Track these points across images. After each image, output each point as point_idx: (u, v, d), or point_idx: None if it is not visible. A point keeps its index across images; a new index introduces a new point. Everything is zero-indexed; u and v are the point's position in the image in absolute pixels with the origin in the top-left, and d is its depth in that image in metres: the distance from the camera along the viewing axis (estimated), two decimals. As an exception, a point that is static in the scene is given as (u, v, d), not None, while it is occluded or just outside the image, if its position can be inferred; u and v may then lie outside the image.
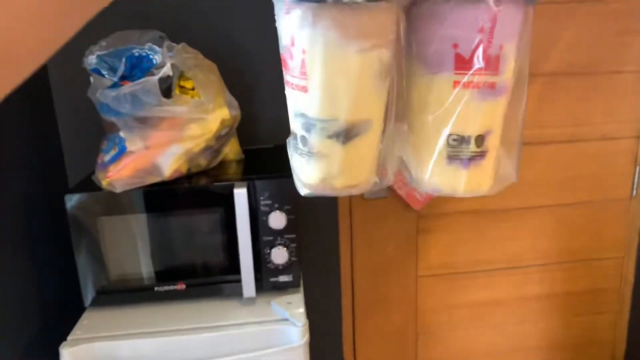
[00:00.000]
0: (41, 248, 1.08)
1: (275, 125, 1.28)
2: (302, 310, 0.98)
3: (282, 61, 0.60)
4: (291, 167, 0.67)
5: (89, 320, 0.99)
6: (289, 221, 0.99)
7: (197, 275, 1.03)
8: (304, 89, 0.57)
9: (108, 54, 0.96)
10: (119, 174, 0.94)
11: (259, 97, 1.27)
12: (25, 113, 1.09)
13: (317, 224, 1.37)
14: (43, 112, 1.18)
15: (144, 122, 0.94)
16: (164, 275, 1.02)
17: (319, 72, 0.56)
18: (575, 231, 1.56)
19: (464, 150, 0.62)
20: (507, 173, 0.68)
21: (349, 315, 1.52)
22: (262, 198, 0.98)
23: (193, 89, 0.99)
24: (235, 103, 1.05)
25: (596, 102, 1.47)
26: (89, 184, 0.99)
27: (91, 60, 0.95)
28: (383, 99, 0.60)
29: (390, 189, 1.38)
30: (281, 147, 1.23)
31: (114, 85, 0.94)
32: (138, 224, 0.99)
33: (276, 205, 0.99)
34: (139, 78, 0.93)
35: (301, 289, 1.05)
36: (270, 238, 1.00)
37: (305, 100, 0.58)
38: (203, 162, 1.04)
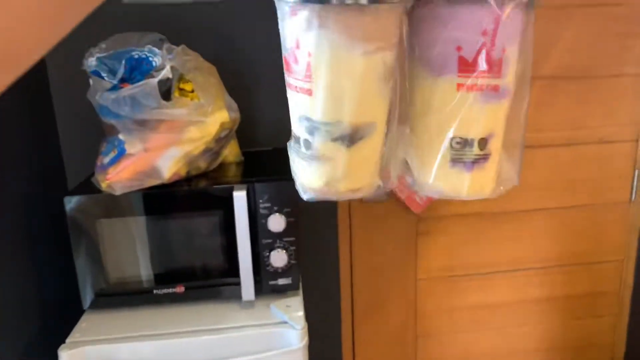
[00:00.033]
0: (40, 250, 1.08)
1: (275, 127, 1.28)
2: (301, 313, 0.98)
3: (285, 64, 0.60)
4: (292, 171, 0.66)
5: (87, 322, 0.99)
6: (288, 224, 0.99)
7: (196, 278, 1.02)
8: (309, 92, 0.57)
9: (108, 56, 0.96)
10: (118, 176, 0.94)
11: (259, 100, 1.27)
12: (25, 115, 1.09)
13: (316, 226, 1.37)
14: (43, 114, 1.18)
15: (144, 125, 0.94)
16: (163, 277, 1.01)
17: (325, 74, 0.56)
18: (575, 234, 1.56)
19: (467, 153, 0.62)
20: (509, 176, 0.68)
21: (348, 318, 1.52)
22: (261, 201, 0.98)
23: (192, 91, 0.99)
24: (234, 105, 1.05)
25: (595, 105, 1.47)
26: (88, 186, 0.99)
27: (91, 62, 0.95)
28: (387, 102, 0.60)
29: (390, 192, 1.38)
30: (281, 149, 1.23)
31: (114, 88, 0.94)
32: (137, 226, 0.99)
33: (275, 208, 0.99)
34: (139, 80, 0.93)
35: (300, 291, 1.05)
36: (270, 241, 1.00)
37: (310, 103, 0.58)
38: (202, 164, 1.04)
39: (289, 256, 1.01)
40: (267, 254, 1.00)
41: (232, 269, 1.00)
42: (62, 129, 1.23)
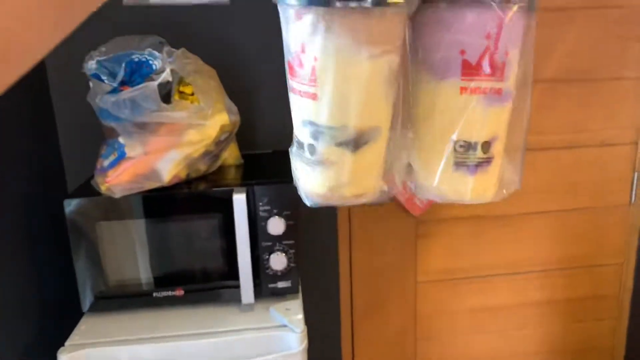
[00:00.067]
0: (40, 253, 1.08)
1: (275, 130, 1.28)
2: (300, 316, 0.97)
3: (289, 68, 0.59)
4: (294, 177, 0.65)
5: (86, 325, 0.99)
6: (287, 227, 0.99)
7: (196, 281, 1.02)
8: (314, 96, 0.57)
9: (108, 59, 0.96)
10: (118, 179, 0.94)
11: (259, 103, 1.27)
12: (25, 118, 1.09)
13: (316, 229, 1.36)
14: (43, 117, 1.18)
15: (144, 128, 0.94)
16: (163, 280, 1.01)
17: (331, 78, 0.55)
18: (575, 237, 1.56)
19: (471, 156, 0.62)
20: (510, 180, 0.68)
21: (348, 321, 1.52)
22: (261, 204, 0.98)
23: (192, 94, 0.99)
24: (234, 108, 1.05)
25: (595, 108, 1.47)
26: (88, 189, 0.99)
27: (91, 65, 0.95)
28: (391, 106, 0.60)
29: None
30: (280, 152, 1.24)
31: (114, 91, 0.94)
32: (137, 229, 0.99)
33: (275, 211, 0.99)
34: (139, 83, 0.93)
35: (300, 294, 1.05)
36: (269, 244, 1.00)
37: (315, 107, 0.57)
38: (202, 167, 1.04)
39: (289, 259, 1.01)
40: (267, 257, 1.00)
41: (232, 272, 1.00)
42: (62, 131, 1.23)
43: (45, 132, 1.19)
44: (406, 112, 0.63)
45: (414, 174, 0.66)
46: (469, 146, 0.61)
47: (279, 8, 0.58)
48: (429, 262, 1.51)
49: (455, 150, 0.62)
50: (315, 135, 0.58)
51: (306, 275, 1.24)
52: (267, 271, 1.01)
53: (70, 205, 0.96)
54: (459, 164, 0.62)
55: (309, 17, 0.54)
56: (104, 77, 0.95)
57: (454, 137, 0.61)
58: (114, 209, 0.97)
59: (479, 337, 1.60)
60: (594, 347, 1.66)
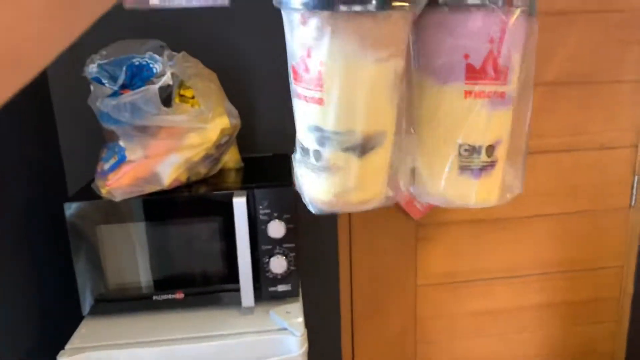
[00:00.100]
0: (40, 256, 1.08)
1: (275, 133, 1.28)
2: (300, 319, 0.97)
3: (294, 73, 0.59)
4: (298, 184, 0.65)
5: (87, 328, 0.99)
6: (288, 230, 0.99)
7: (196, 284, 1.02)
8: (320, 101, 0.56)
9: (108, 62, 0.96)
10: (118, 182, 0.94)
11: (259, 106, 1.28)
12: (26, 121, 1.09)
13: (316, 232, 1.36)
14: (43, 120, 1.19)
15: (144, 131, 0.94)
16: (163, 284, 1.01)
17: (337, 83, 0.55)
18: (574, 240, 1.55)
19: (475, 160, 0.62)
20: (512, 183, 0.68)
21: (348, 324, 1.52)
22: (261, 207, 0.98)
23: (193, 97, 0.99)
24: (235, 112, 1.05)
25: (595, 111, 1.47)
26: (88, 193, 0.99)
27: (92, 68, 0.96)
28: (395, 110, 0.60)
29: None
30: (281, 155, 1.24)
31: (114, 94, 0.94)
32: (137, 232, 0.99)
33: (275, 214, 0.99)
34: (139, 87, 0.93)
35: (300, 298, 1.05)
36: (269, 247, 1.00)
37: (321, 112, 0.57)
38: (203, 170, 1.04)
39: (289, 262, 1.01)
40: (267, 260, 1.00)
41: (232, 275, 1.00)
42: (63, 135, 1.23)
43: (46, 135, 1.20)
44: (410, 116, 0.63)
45: (418, 179, 0.66)
46: (473, 150, 0.61)
47: (283, 13, 0.58)
48: (429, 265, 1.51)
49: (459, 154, 0.62)
50: (322, 141, 0.58)
51: (306, 278, 1.24)
52: (267, 274, 1.01)
53: (71, 209, 0.96)
54: (463, 168, 0.62)
55: (314, 21, 0.54)
56: (104, 81, 0.95)
57: (459, 141, 0.61)
58: (114, 212, 0.97)
59: (479, 341, 1.60)
60: (594, 350, 1.66)
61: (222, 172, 1.10)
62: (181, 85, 0.99)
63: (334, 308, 1.47)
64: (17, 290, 1.00)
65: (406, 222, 1.46)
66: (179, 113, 0.95)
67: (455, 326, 1.57)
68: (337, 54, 0.54)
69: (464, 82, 0.60)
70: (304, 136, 0.60)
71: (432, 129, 0.64)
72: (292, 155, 0.65)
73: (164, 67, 0.96)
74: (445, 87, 0.61)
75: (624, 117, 1.49)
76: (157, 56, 0.98)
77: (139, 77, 0.96)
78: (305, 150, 0.61)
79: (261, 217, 0.99)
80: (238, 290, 1.00)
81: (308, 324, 0.98)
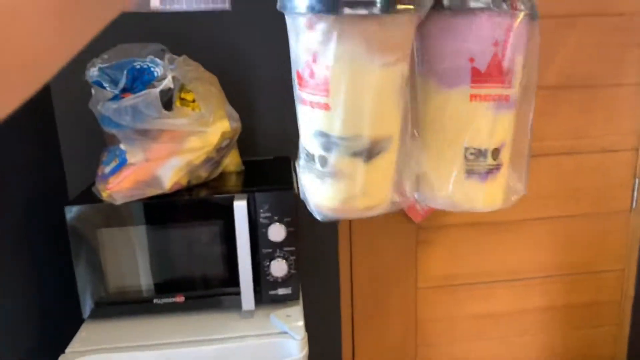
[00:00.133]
0: (41, 259, 1.08)
1: (276, 136, 1.28)
2: (301, 323, 0.97)
3: (298, 79, 0.58)
4: (302, 192, 0.64)
5: (87, 332, 0.99)
6: (288, 233, 0.99)
7: (196, 288, 1.02)
8: (326, 107, 0.56)
9: (110, 66, 0.96)
10: (119, 186, 0.94)
11: (260, 109, 1.28)
12: (27, 124, 1.10)
13: (316, 236, 1.36)
14: (44, 124, 1.19)
15: (145, 135, 0.94)
16: (163, 287, 1.01)
17: (344, 88, 0.55)
18: (575, 243, 1.55)
19: (482, 163, 0.62)
20: (515, 186, 0.68)
21: (349, 327, 1.52)
22: (261, 210, 0.98)
23: (194, 101, 0.99)
24: (235, 115, 1.05)
25: (596, 114, 1.47)
26: (89, 196, 0.99)
27: (93, 72, 0.96)
28: (401, 114, 0.59)
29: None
30: (281, 158, 1.24)
31: (115, 98, 0.94)
32: (138, 236, 0.99)
33: (276, 218, 0.99)
34: (140, 90, 0.93)
35: (300, 301, 1.04)
36: (270, 250, 1.00)
37: (327, 118, 0.56)
38: (203, 174, 1.04)
39: (289, 266, 1.01)
40: (267, 263, 1.00)
41: (232, 278, 1.00)
42: (64, 138, 1.23)
43: (47, 138, 1.20)
44: (414, 120, 0.62)
45: (423, 184, 0.65)
46: (479, 153, 0.61)
47: (287, 18, 0.58)
48: (429, 268, 1.51)
49: (466, 158, 0.61)
50: (327, 147, 0.57)
51: (307, 281, 1.24)
52: (268, 278, 1.01)
53: (71, 212, 0.96)
54: (470, 172, 0.62)
55: (321, 26, 0.53)
56: (105, 84, 0.95)
57: (465, 144, 0.61)
58: (115, 215, 0.98)
59: (480, 344, 1.59)
60: (595, 354, 1.66)
61: (222, 175, 1.10)
62: (182, 88, 0.99)
63: (335, 311, 1.47)
64: (18, 293, 1.00)
65: (407, 225, 1.45)
66: (180, 116, 0.95)
67: (455, 329, 1.57)
68: (344, 58, 0.54)
69: (469, 85, 0.59)
70: (309, 142, 0.60)
71: (437, 133, 0.64)
72: (295, 162, 0.64)
73: (165, 70, 0.97)
74: (451, 91, 0.61)
75: (625, 120, 1.49)
76: (158, 60, 0.98)
77: (140, 80, 0.96)
78: (310, 157, 0.60)
79: (262, 220, 0.99)
80: (238, 293, 1.00)
81: (308, 327, 0.98)
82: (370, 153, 0.58)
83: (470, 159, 0.62)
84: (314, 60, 0.55)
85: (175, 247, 1.01)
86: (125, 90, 0.95)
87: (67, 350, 0.93)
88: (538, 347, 1.63)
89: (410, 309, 1.53)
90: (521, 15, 0.58)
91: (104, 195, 0.95)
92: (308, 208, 0.63)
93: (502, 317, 1.58)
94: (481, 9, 0.57)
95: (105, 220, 0.98)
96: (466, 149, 0.61)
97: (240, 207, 0.96)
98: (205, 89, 1.01)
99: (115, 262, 1.00)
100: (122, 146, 0.95)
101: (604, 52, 1.43)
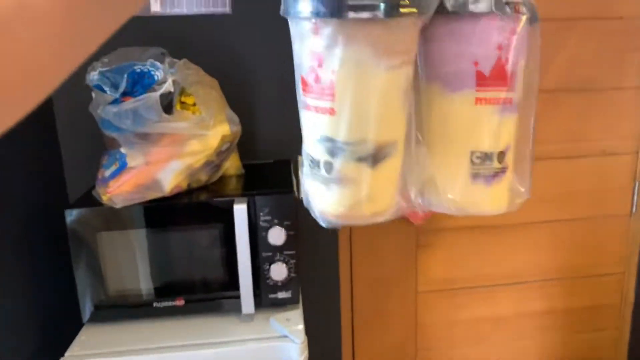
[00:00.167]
0: (40, 263, 1.08)
1: (276, 140, 1.29)
2: (301, 327, 0.97)
3: (302, 84, 0.58)
4: (307, 198, 0.63)
5: (87, 335, 0.99)
6: (288, 237, 0.99)
7: (196, 291, 1.02)
8: (331, 111, 0.55)
9: (110, 70, 0.97)
10: (119, 189, 0.94)
11: (260, 113, 1.28)
12: (27, 128, 1.10)
13: (316, 239, 1.36)
14: (44, 127, 1.19)
15: (145, 138, 0.94)
16: (163, 290, 1.01)
17: (350, 92, 0.54)
18: (575, 247, 1.55)
19: (488, 167, 0.61)
20: (519, 189, 0.68)
21: (349, 331, 1.52)
22: (261, 214, 0.98)
23: (194, 104, 0.99)
24: (236, 119, 1.05)
25: (596, 118, 1.47)
26: (89, 199, 0.99)
27: (93, 76, 0.96)
28: (406, 119, 0.59)
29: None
30: (282, 162, 1.24)
31: (116, 101, 0.94)
32: (138, 239, 0.99)
33: (276, 221, 0.99)
34: (141, 94, 0.93)
35: (300, 305, 1.04)
36: (270, 254, 1.00)
37: (333, 122, 0.56)
38: (203, 177, 1.04)
39: (289, 269, 1.01)
40: (267, 267, 1.00)
41: (232, 282, 1.00)
42: (64, 142, 1.23)
43: (47, 142, 1.20)
44: (418, 124, 0.62)
45: (428, 188, 0.65)
46: (485, 157, 0.61)
47: (291, 23, 0.58)
48: (429, 271, 1.51)
49: (472, 161, 0.61)
50: (333, 152, 0.57)
51: (307, 285, 1.24)
52: (268, 281, 1.01)
53: (72, 215, 0.96)
54: (475, 176, 0.62)
55: (327, 31, 0.53)
56: (106, 88, 0.96)
57: (471, 148, 0.61)
58: (115, 219, 0.98)
59: (480, 348, 1.59)
60: (595, 358, 1.66)
61: (222, 178, 1.10)
62: (182, 92, 1.00)
63: (335, 315, 1.47)
64: (18, 296, 1.00)
65: (407, 228, 1.45)
66: (180, 120, 0.95)
67: (456, 333, 1.57)
68: (350, 62, 0.54)
69: (474, 89, 0.60)
70: (314, 148, 0.59)
71: (442, 137, 0.63)
72: (298, 169, 0.64)
73: (165, 74, 0.97)
74: (455, 95, 0.61)
75: (625, 123, 1.49)
76: (158, 63, 0.98)
77: (140, 84, 0.96)
78: (315, 162, 0.59)
79: (262, 223, 0.99)
80: (238, 297, 1.00)
81: (308, 331, 0.98)
82: (375, 158, 0.57)
83: (477, 163, 0.62)
84: (320, 65, 0.55)
85: (175, 250, 1.01)
86: (125, 94, 0.95)
87: (67, 353, 0.93)
88: (538, 351, 1.62)
89: (410, 312, 1.53)
90: (524, 18, 0.59)
91: (104, 198, 0.95)
92: (312, 215, 0.62)
93: (502, 321, 1.58)
94: (485, 13, 0.57)
95: (105, 224, 0.98)
96: (472, 152, 0.61)
97: (240, 211, 0.96)
98: (205, 92, 1.02)
99: (115, 265, 1.00)
100: (122, 150, 0.96)
101: (603, 55, 1.43)
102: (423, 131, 0.63)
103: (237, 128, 1.05)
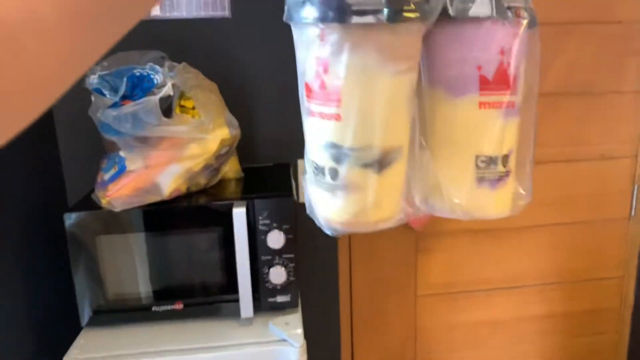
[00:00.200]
0: (39, 266, 1.08)
1: (275, 144, 1.29)
2: (300, 330, 0.97)
3: (307, 90, 0.58)
4: (310, 206, 0.63)
5: (85, 339, 0.98)
6: (287, 240, 0.99)
7: (195, 295, 1.02)
8: (337, 117, 0.55)
9: (109, 73, 0.97)
10: (118, 193, 0.94)
11: (259, 116, 1.28)
12: (26, 131, 1.10)
13: (315, 243, 1.36)
14: (44, 131, 1.19)
15: (144, 142, 0.94)
16: (162, 294, 1.01)
17: (356, 97, 0.54)
18: (574, 251, 1.55)
19: (493, 171, 0.62)
20: (522, 192, 0.68)
21: (348, 335, 1.51)
22: (260, 217, 0.98)
23: (193, 108, 0.99)
24: (235, 122, 1.05)
25: (595, 122, 1.47)
26: (88, 203, 0.99)
27: (93, 79, 0.96)
28: (410, 124, 0.60)
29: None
30: (281, 165, 1.24)
31: (115, 105, 0.94)
32: (137, 243, 0.99)
33: (275, 225, 0.99)
34: (140, 98, 0.93)
35: (299, 309, 1.04)
36: (269, 257, 1.00)
37: (338, 128, 0.56)
38: (202, 181, 1.04)
39: (288, 273, 1.00)
40: (266, 270, 1.00)
41: (231, 285, 0.99)
42: (63, 145, 1.23)
43: (47, 145, 1.20)
44: (422, 130, 0.62)
45: (433, 193, 0.65)
46: (490, 161, 0.61)
47: (294, 29, 0.58)
48: (428, 275, 1.51)
49: (477, 166, 0.61)
50: (338, 158, 0.57)
51: (306, 289, 1.24)
52: (267, 285, 1.01)
53: (71, 219, 0.96)
54: (481, 180, 0.62)
55: (333, 36, 0.53)
56: (105, 92, 0.96)
57: (476, 152, 0.61)
58: (114, 222, 0.97)
59: (479, 352, 1.59)
60: (595, 361, 1.65)
61: (222, 182, 1.10)
62: (182, 96, 1.00)
63: (334, 319, 1.47)
64: (16, 300, 0.99)
65: (406, 233, 1.45)
66: (180, 124, 0.95)
67: (455, 337, 1.57)
68: (356, 67, 0.54)
69: (478, 93, 0.60)
70: (318, 154, 0.59)
71: (446, 142, 0.64)
72: (302, 177, 0.63)
73: (165, 78, 0.97)
74: (459, 99, 0.61)
75: (624, 127, 1.49)
76: (157, 67, 0.98)
77: (139, 88, 0.96)
78: (319, 169, 0.59)
79: (261, 227, 0.98)
80: (237, 300, 0.99)
81: (307, 335, 0.98)
82: (381, 164, 0.57)
83: (482, 167, 0.62)
84: (325, 71, 0.55)
85: (174, 254, 1.01)
86: (125, 98, 0.95)
87: (65, 357, 0.93)
88: (538, 355, 1.62)
89: (410, 316, 1.53)
90: (525, 23, 0.59)
91: (104, 202, 0.95)
92: (317, 223, 0.62)
93: (501, 325, 1.58)
94: (487, 18, 0.58)
95: (104, 227, 0.98)
96: (477, 156, 0.62)
97: (239, 214, 0.96)
98: (205, 96, 1.02)
99: (114, 269, 0.99)
100: (121, 153, 0.96)
101: (602, 59, 1.44)
102: (426, 136, 0.63)
103: (237, 132, 1.05)
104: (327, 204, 0.60)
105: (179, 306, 1.01)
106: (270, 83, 1.25)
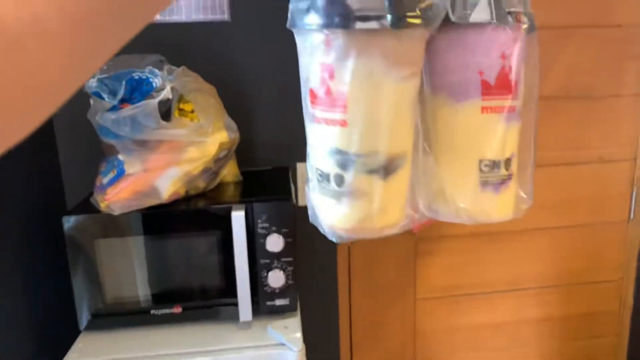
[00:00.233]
0: (38, 270, 1.08)
1: (274, 147, 1.29)
2: (298, 334, 0.97)
3: (311, 96, 0.58)
4: (314, 213, 0.63)
5: (84, 343, 0.98)
6: (286, 244, 0.99)
7: (194, 298, 1.02)
8: (342, 123, 0.55)
9: (108, 77, 0.97)
10: (117, 196, 0.94)
11: (258, 120, 1.28)
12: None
13: (314, 246, 1.36)
14: (43, 134, 1.19)
15: (143, 145, 0.94)
16: (161, 298, 1.01)
17: (362, 103, 0.54)
18: (574, 254, 1.55)
19: (496, 174, 0.62)
20: (523, 195, 0.68)
21: (347, 339, 1.51)
22: (259, 221, 0.98)
23: (192, 111, 0.99)
24: (234, 126, 1.05)
25: (594, 125, 1.48)
26: (87, 206, 0.99)
27: (91, 83, 0.96)
28: (414, 129, 0.60)
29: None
30: (280, 169, 1.24)
31: (114, 108, 0.94)
32: (135, 246, 0.99)
33: (274, 228, 0.98)
34: (139, 101, 0.93)
35: (298, 312, 1.04)
36: (268, 261, 1.00)
37: (344, 134, 0.55)
38: (201, 184, 1.04)
39: (287, 276, 1.00)
40: (265, 274, 1.00)
41: (230, 289, 0.99)
42: (62, 148, 1.23)
43: (46, 149, 1.20)
44: (425, 135, 0.63)
45: (437, 198, 0.65)
46: (493, 165, 0.62)
47: (298, 35, 0.58)
48: (428, 279, 1.51)
49: (480, 170, 0.62)
50: (344, 164, 0.57)
51: (305, 292, 1.24)
52: (266, 289, 1.01)
53: (69, 222, 0.96)
54: (484, 184, 0.62)
55: (338, 42, 0.53)
56: (104, 95, 0.96)
57: (479, 157, 0.61)
58: (113, 226, 0.97)
59: (479, 354, 1.59)
60: (594, 364, 1.65)
61: (220, 185, 1.10)
62: (181, 99, 1.00)
63: (333, 322, 1.47)
64: (14, 304, 0.99)
65: (405, 236, 1.45)
66: (178, 127, 0.95)
67: (454, 340, 1.57)
68: (362, 73, 0.54)
69: (480, 98, 0.60)
70: (323, 161, 0.59)
71: (450, 147, 0.64)
72: (306, 184, 0.63)
73: (164, 81, 0.97)
74: (461, 105, 0.61)
75: (623, 130, 1.49)
76: (156, 70, 0.98)
77: (138, 91, 0.96)
78: (324, 176, 0.59)
79: (259, 230, 0.98)
80: (236, 304, 0.99)
81: (306, 338, 0.98)
82: (387, 170, 0.57)
83: (485, 171, 0.62)
84: (331, 77, 0.55)
85: (173, 257, 1.01)
86: (123, 101, 0.95)
87: (64, 361, 0.93)
88: (537, 358, 1.62)
89: (409, 319, 1.53)
90: (524, 27, 0.59)
91: (102, 205, 0.95)
92: (321, 231, 0.62)
93: (501, 328, 1.57)
94: (488, 23, 0.58)
95: (103, 231, 0.98)
96: (480, 161, 0.62)
97: (238, 218, 0.96)
98: (204, 99, 1.02)
99: (113, 272, 0.99)
100: (120, 157, 0.95)
101: (601, 63, 1.44)
102: (430, 141, 0.63)
103: (235, 135, 1.05)
104: (331, 211, 0.60)
105: (177, 310, 1.01)
106: (269, 87, 1.26)
